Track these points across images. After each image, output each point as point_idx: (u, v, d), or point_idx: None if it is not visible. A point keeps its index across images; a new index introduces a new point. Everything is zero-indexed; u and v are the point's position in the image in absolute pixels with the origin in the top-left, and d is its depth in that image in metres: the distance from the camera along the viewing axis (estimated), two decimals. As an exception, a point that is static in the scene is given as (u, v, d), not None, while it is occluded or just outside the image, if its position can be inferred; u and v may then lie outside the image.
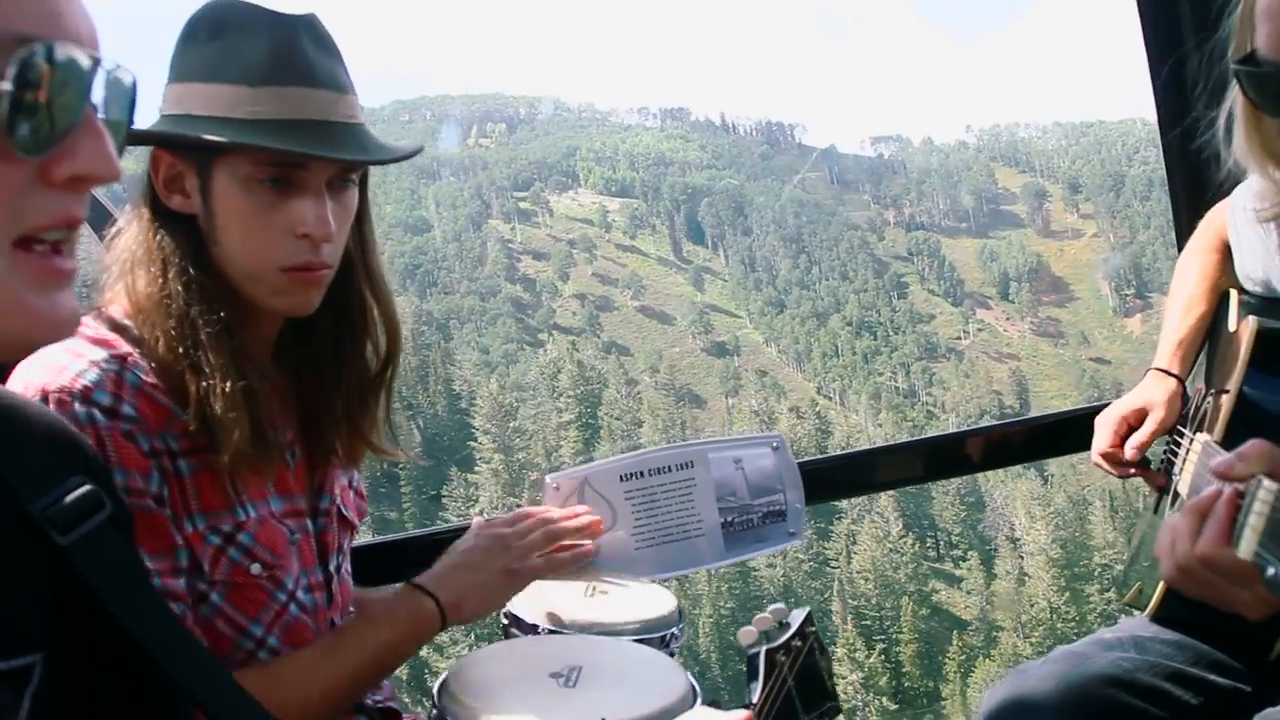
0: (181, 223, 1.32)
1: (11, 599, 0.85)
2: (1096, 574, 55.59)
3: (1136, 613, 1.66)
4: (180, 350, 1.26)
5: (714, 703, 1.23)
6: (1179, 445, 1.75)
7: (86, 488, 0.91)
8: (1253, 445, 1.01)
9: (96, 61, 0.74)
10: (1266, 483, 0.89)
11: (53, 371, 1.21)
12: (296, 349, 1.45)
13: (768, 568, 52.75)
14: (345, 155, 1.29)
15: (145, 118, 1.26)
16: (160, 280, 1.28)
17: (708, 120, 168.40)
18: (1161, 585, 1.57)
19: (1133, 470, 1.77)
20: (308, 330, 1.43)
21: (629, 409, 72.10)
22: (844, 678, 46.77)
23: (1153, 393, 1.79)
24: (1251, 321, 1.56)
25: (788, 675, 1.06)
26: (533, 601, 1.55)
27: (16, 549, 0.87)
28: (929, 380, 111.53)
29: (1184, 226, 2.14)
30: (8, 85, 0.68)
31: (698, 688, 1.29)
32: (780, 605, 1.10)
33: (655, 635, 1.52)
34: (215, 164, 1.29)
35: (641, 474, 1.82)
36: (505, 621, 1.57)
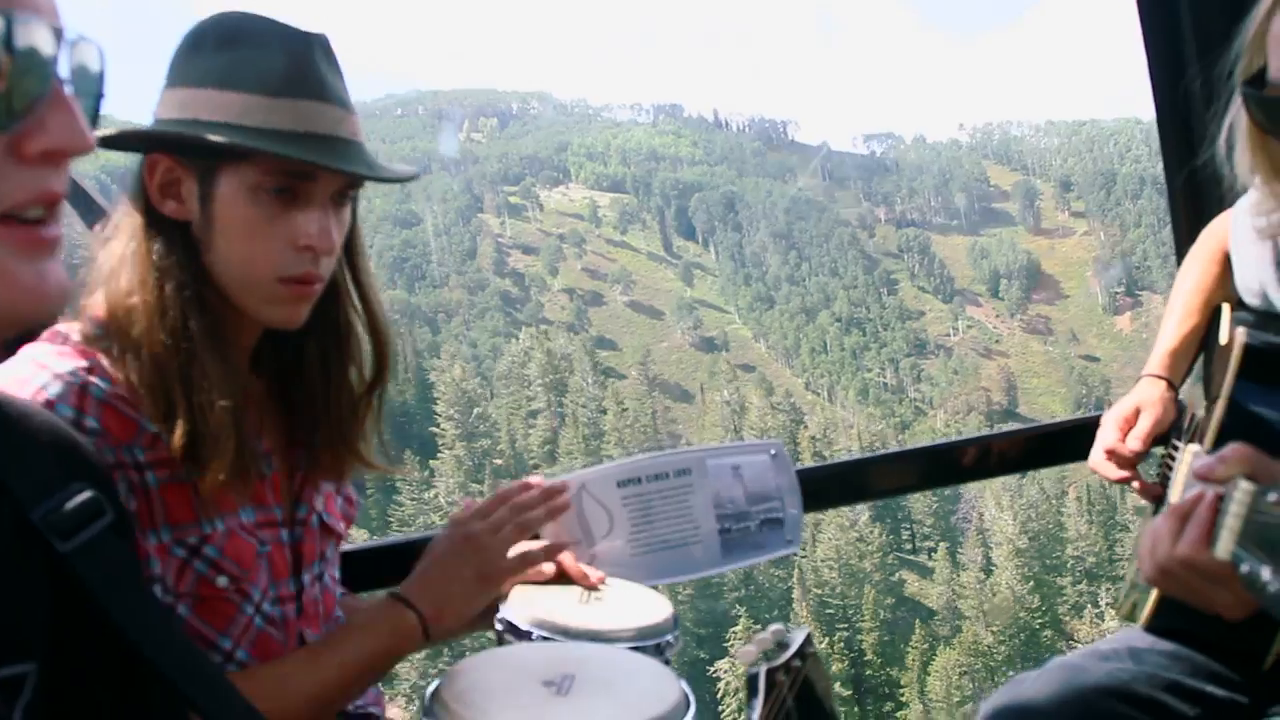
0: (174, 230, 1.30)
1: (9, 606, 0.84)
2: (1069, 566, 55.71)
3: (1132, 624, 1.66)
4: (173, 364, 1.24)
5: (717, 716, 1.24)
6: (1174, 458, 1.76)
7: (88, 494, 0.90)
8: (1233, 449, 1.03)
9: (59, 33, 0.73)
10: (1244, 484, 0.90)
11: (16, 384, 1.19)
12: (274, 358, 1.43)
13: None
14: (358, 170, 1.30)
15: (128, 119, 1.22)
16: (155, 290, 1.26)
17: (700, 117, 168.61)
18: (1154, 593, 1.56)
19: (1130, 474, 1.76)
20: (286, 340, 1.41)
21: (595, 396, 72.14)
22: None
23: (1145, 394, 1.80)
24: (1240, 334, 1.56)
25: (787, 695, 1.05)
26: (526, 608, 1.52)
27: (16, 556, 0.86)
28: (917, 376, 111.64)
29: (1183, 235, 2.18)
30: None
31: (691, 697, 1.28)
32: (780, 625, 1.09)
33: (650, 643, 1.49)
34: (220, 171, 1.28)
35: (639, 480, 1.82)
36: (499, 628, 1.53)
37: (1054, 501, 56.81)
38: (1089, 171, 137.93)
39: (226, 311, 1.33)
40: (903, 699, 48.21)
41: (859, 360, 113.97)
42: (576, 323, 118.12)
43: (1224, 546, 0.92)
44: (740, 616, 47.36)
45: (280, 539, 1.40)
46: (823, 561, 54.39)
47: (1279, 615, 0.70)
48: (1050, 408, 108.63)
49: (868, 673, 50.92)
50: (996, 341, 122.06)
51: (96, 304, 1.30)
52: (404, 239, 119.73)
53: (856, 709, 47.98)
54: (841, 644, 50.79)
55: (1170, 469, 1.77)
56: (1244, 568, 0.82)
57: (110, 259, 1.30)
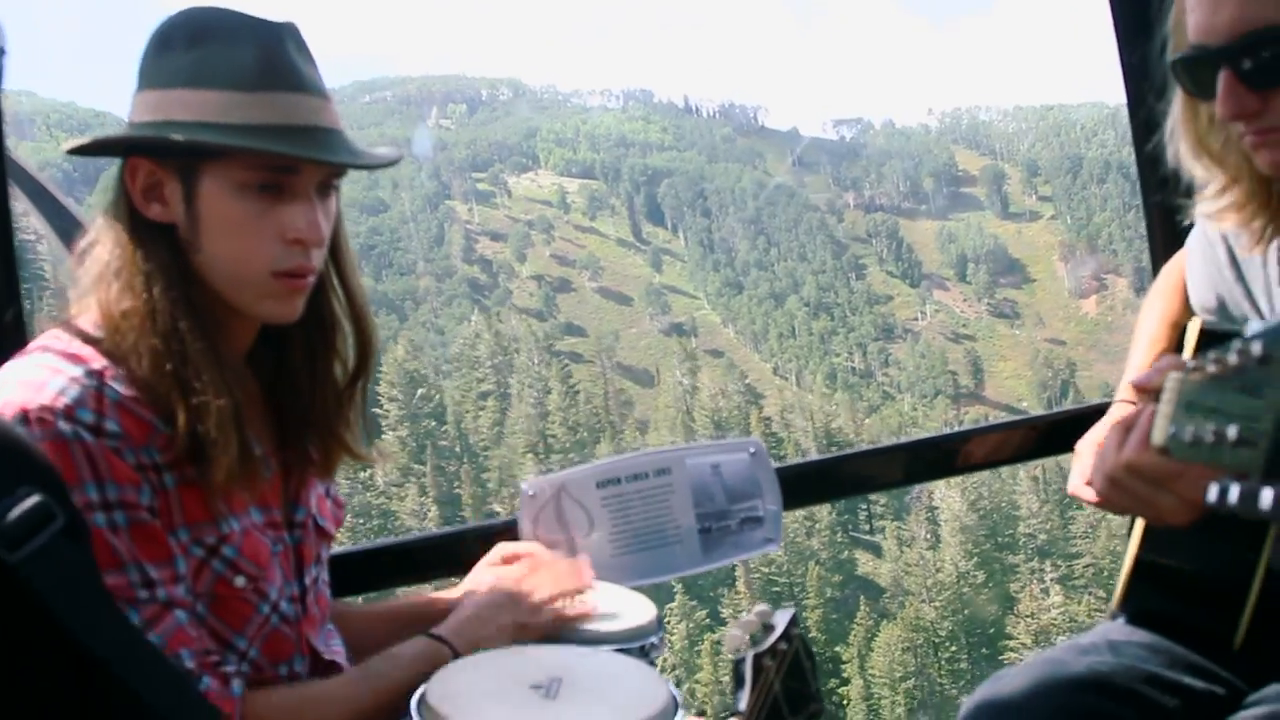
0: (161, 232, 1.29)
1: None
2: (1021, 543, 56.04)
3: (1109, 618, 1.69)
4: (167, 367, 1.23)
5: (701, 713, 1.26)
6: None
7: (35, 499, 0.87)
8: (1166, 359, 1.07)
9: None
10: (1172, 374, 0.93)
11: (32, 389, 1.18)
12: (270, 360, 1.43)
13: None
14: (342, 159, 1.29)
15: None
16: (144, 294, 1.25)
17: (670, 103, 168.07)
18: (1125, 573, 1.58)
19: None
20: (281, 340, 1.41)
21: (541, 376, 72.07)
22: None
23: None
24: (1198, 321, 1.60)
25: (774, 680, 1.05)
26: None
27: None
28: (885, 360, 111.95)
29: (1154, 220, 2.21)
30: None
31: (679, 698, 1.28)
32: (765, 606, 1.10)
33: (635, 644, 1.50)
34: (202, 170, 1.27)
35: (618, 480, 1.84)
36: None
37: (1006, 480, 57.21)
38: (1056, 156, 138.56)
39: (219, 312, 1.31)
40: (845, 675, 48.50)
41: (827, 345, 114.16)
42: (545, 309, 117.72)
43: (1158, 432, 0.95)
44: (677, 593, 47.44)
45: (284, 540, 1.40)
46: (768, 539, 54.27)
47: (1206, 460, 0.74)
48: (1017, 391, 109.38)
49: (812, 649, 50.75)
50: (964, 325, 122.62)
51: (86, 307, 1.28)
52: (371, 226, 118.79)
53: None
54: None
55: None
56: (1170, 431, 0.85)
57: (97, 265, 1.28)
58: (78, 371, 1.20)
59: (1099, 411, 1.93)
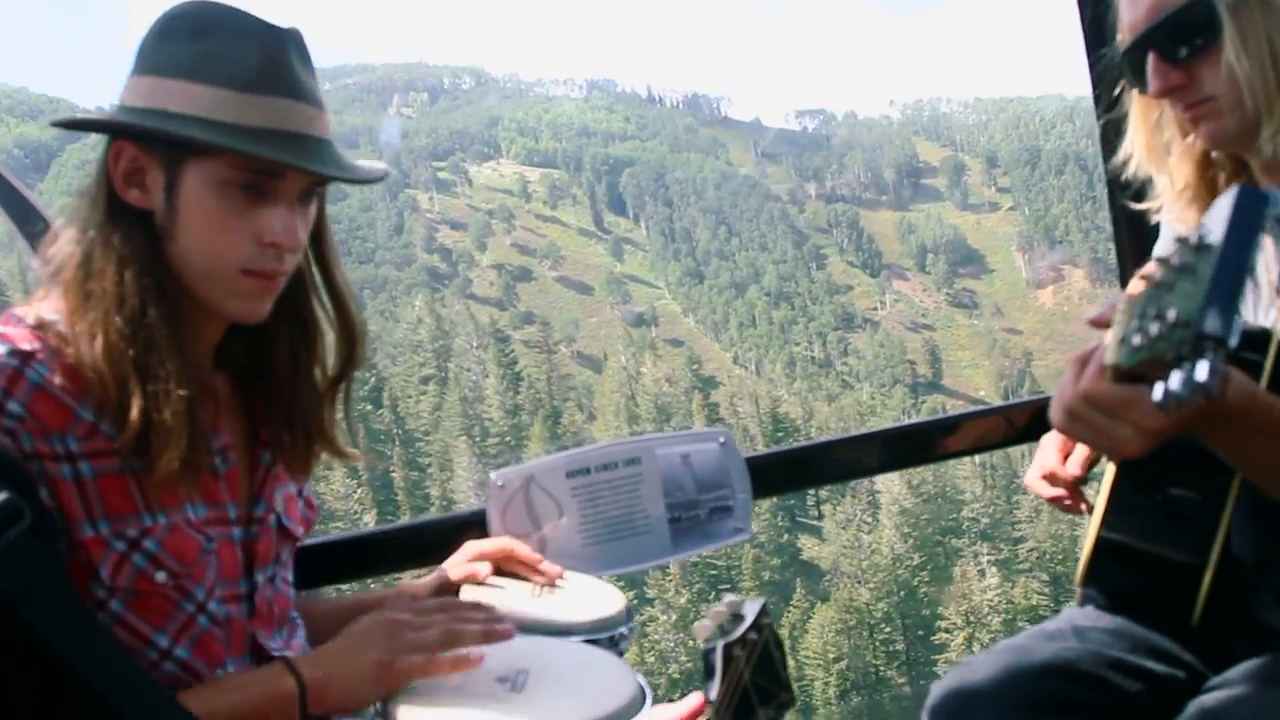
0: (137, 218, 1.28)
1: None
2: (965, 528, 56.59)
3: (1077, 605, 1.70)
4: (130, 352, 1.22)
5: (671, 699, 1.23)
6: None
7: (2, 497, 0.85)
8: (1125, 296, 1.11)
9: None
10: (1123, 297, 0.97)
11: None
12: (240, 355, 1.43)
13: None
14: (329, 171, 1.29)
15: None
16: (115, 277, 1.24)
17: (634, 92, 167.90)
18: (1087, 550, 1.59)
19: (1067, 494, 1.78)
20: (256, 336, 1.41)
21: (477, 359, 71.85)
22: (668, 630, 46.94)
23: None
24: None
25: (744, 670, 1.05)
26: (477, 599, 1.49)
27: None
28: (844, 350, 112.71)
29: (1121, 221, 2.25)
30: None
31: (647, 689, 1.27)
32: (735, 596, 1.09)
33: (604, 635, 1.49)
34: (187, 163, 1.26)
35: (587, 470, 1.83)
36: None
37: (952, 465, 57.73)
38: (1015, 148, 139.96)
39: (187, 303, 1.31)
40: (778, 656, 48.62)
41: (787, 334, 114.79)
42: (505, 298, 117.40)
43: (1110, 352, 0.97)
44: (603, 575, 47.35)
45: (231, 537, 1.36)
46: (706, 522, 54.52)
47: (1152, 352, 0.75)
48: (974, 380, 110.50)
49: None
50: (923, 315, 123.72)
51: (51, 289, 1.28)
52: (329, 214, 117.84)
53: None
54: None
55: None
56: (1120, 343, 0.88)
57: (69, 245, 1.28)
58: (2, 349, 1.19)
59: None
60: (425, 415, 65.19)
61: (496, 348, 71.97)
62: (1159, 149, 1.51)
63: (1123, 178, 1.59)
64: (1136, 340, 0.83)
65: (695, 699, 1.07)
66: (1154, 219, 1.74)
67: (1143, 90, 1.43)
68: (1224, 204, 0.86)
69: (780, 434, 67.91)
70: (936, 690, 1.59)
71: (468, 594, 1.53)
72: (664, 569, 49.66)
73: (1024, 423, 2.16)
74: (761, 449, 2.42)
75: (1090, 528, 1.57)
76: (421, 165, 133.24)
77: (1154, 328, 0.80)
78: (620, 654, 1.49)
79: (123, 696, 0.88)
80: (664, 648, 46.61)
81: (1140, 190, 1.72)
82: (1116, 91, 1.55)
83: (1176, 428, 1.04)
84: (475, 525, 1.80)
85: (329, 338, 1.46)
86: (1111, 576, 1.60)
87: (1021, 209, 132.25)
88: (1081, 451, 1.77)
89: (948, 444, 2.28)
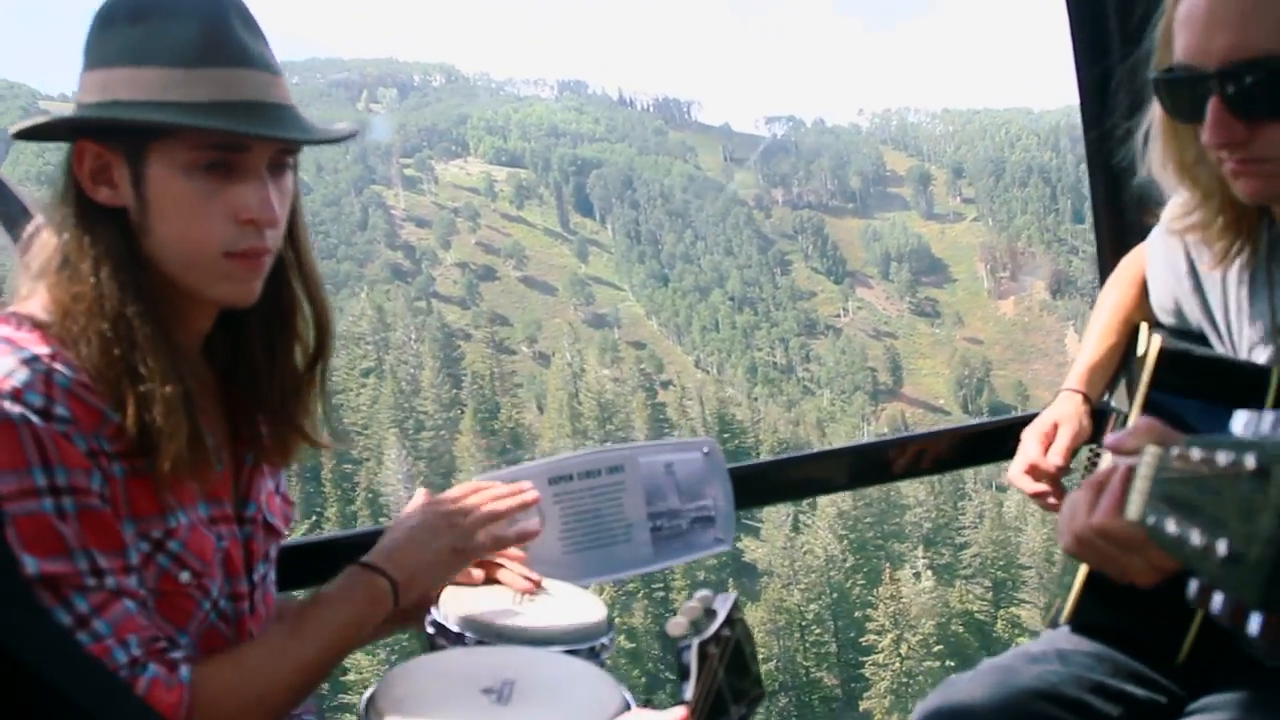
0: (110, 216, 1.25)
1: None
2: (908, 531, 56.90)
3: (1056, 628, 1.71)
4: (115, 353, 1.20)
5: (647, 702, 1.23)
6: (1098, 458, 1.84)
7: None
8: (1142, 421, 1.08)
9: None
10: (1150, 448, 0.94)
11: None
12: (226, 347, 1.40)
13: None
14: (290, 135, 1.25)
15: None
16: (92, 279, 1.22)
17: (605, 94, 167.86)
18: (1076, 588, 1.60)
19: (1050, 489, 1.79)
20: (237, 326, 1.38)
21: (415, 352, 71.59)
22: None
23: (1062, 409, 1.84)
24: (1158, 339, 1.61)
25: (718, 668, 1.04)
26: (459, 609, 1.49)
27: None
28: (806, 356, 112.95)
29: (1103, 227, 2.30)
30: None
31: (632, 701, 1.27)
32: (707, 592, 1.08)
33: (585, 645, 1.48)
34: (149, 151, 1.23)
35: (570, 477, 1.82)
36: (430, 630, 1.50)
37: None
38: (980, 159, 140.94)
39: (172, 297, 1.28)
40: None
41: (749, 339, 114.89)
42: (468, 297, 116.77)
43: (1134, 508, 0.95)
44: None
45: (234, 535, 1.36)
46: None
47: (1188, 562, 0.71)
48: (934, 388, 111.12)
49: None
50: (885, 323, 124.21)
51: (34, 293, 1.26)
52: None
53: (657, 666, 48.73)
54: (657, 604, 51.41)
55: (1097, 468, 1.80)
56: (1150, 520, 0.85)
57: (45, 250, 1.26)
58: (25, 355, 1.17)
59: None
60: (365, 408, 64.85)
61: (432, 341, 71.62)
62: (1180, 165, 1.40)
63: (1112, 188, 1.67)
64: (1170, 529, 0.77)
65: (679, 712, 1.05)
66: (1147, 222, 1.73)
67: (1182, 120, 1.32)
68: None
69: (726, 435, 67.94)
70: (920, 709, 1.60)
71: (449, 597, 1.51)
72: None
73: (1009, 438, 2.07)
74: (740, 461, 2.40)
75: (1081, 565, 1.54)
76: (387, 162, 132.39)
77: (1195, 537, 0.72)
78: (601, 664, 1.47)
79: (83, 694, 0.87)
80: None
81: (1130, 201, 1.78)
82: (1135, 104, 1.46)
83: None
84: None
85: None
86: (1099, 613, 1.59)
87: (985, 220, 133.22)
88: (1063, 441, 1.78)
89: (926, 460, 2.33)
